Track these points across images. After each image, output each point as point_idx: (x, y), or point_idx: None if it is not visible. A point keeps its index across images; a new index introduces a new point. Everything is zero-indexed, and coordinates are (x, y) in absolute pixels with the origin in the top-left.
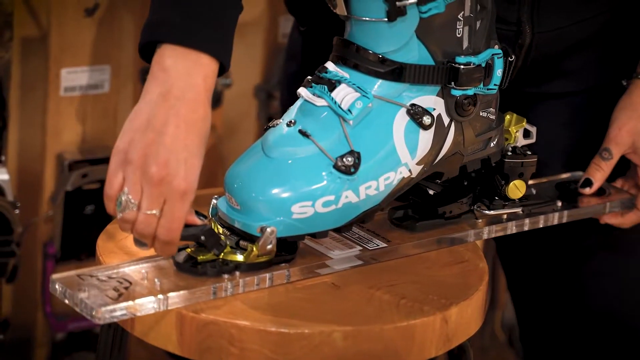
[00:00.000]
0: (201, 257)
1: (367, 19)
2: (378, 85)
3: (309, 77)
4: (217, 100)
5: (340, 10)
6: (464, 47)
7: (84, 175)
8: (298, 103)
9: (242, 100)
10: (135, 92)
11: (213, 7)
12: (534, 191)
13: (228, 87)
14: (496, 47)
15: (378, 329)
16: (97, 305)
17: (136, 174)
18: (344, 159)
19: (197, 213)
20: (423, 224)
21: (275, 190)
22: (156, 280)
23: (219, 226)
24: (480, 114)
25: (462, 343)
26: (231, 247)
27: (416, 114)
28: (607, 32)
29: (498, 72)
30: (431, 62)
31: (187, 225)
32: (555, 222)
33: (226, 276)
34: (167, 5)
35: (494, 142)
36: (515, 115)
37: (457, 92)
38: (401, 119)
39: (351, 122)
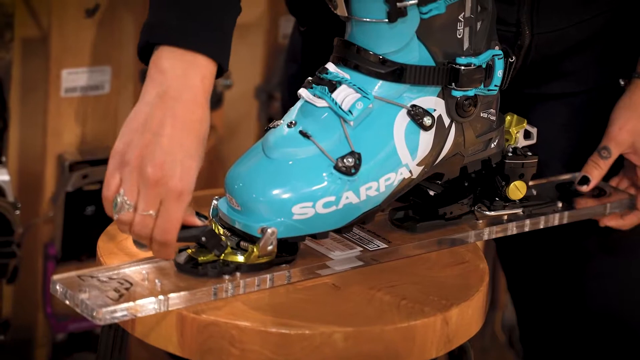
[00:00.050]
0: (202, 258)
1: (367, 19)
2: (379, 86)
3: (310, 78)
4: (217, 101)
5: (341, 11)
6: (465, 48)
7: (84, 176)
8: (299, 104)
9: (243, 101)
10: (136, 93)
11: (210, 8)
12: (534, 192)
13: (228, 88)
14: (497, 48)
15: (379, 330)
16: (97, 306)
17: (133, 175)
18: (345, 160)
19: (198, 214)
20: (423, 225)
21: (275, 191)
22: (157, 281)
23: (219, 227)
24: (481, 115)
25: (462, 344)
26: (232, 248)
27: (417, 114)
28: (606, 33)
29: (498, 73)
30: (432, 63)
31: (188, 227)
32: (556, 223)
33: (227, 277)
34: (164, 7)
35: (495, 143)
36: (515, 116)
37: (457, 93)
38: (402, 120)
39: (352, 123)
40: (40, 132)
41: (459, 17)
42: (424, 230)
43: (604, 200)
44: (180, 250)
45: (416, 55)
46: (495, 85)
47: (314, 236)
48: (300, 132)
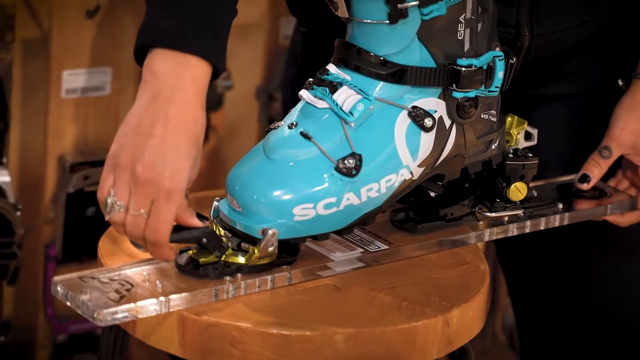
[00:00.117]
0: (203, 259)
1: (368, 21)
2: (379, 88)
3: (311, 79)
4: (218, 102)
5: (342, 12)
6: (466, 49)
7: (85, 177)
8: (299, 105)
9: (244, 102)
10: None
11: (204, 10)
12: (535, 193)
13: (229, 89)
14: (497, 49)
15: (379, 331)
16: (98, 307)
17: (124, 175)
18: (346, 161)
19: (199, 215)
20: (424, 226)
21: (276, 193)
22: (158, 282)
23: (220, 228)
24: (482, 116)
25: (463, 345)
26: (233, 249)
27: (417, 116)
28: (606, 34)
29: (499, 74)
30: (432, 64)
31: (189, 228)
32: (557, 224)
33: (228, 278)
34: (159, 10)
35: (496, 144)
36: (516, 117)
37: (458, 94)
38: (402, 121)
39: (353, 124)
40: (41, 133)
41: (460, 19)
42: (424, 232)
43: (604, 202)
44: (181, 252)
45: (417, 56)
46: (496, 87)
47: (314, 237)
48: (301, 133)
